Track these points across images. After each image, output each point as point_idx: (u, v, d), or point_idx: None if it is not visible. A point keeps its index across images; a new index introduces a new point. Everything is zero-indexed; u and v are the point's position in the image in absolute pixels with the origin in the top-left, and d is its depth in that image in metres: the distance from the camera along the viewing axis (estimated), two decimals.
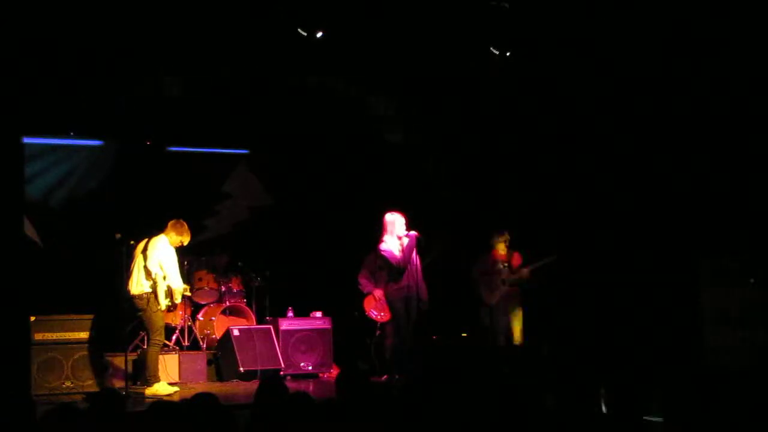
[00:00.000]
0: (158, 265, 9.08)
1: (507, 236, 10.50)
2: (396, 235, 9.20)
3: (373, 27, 9.04)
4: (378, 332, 10.54)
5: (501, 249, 10.48)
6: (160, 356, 9.93)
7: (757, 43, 9.27)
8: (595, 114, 10.66)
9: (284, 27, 8.74)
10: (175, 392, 9.16)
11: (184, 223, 9.37)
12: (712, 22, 9.05)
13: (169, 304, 9.32)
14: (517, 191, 11.38)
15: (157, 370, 9.17)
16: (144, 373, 9.24)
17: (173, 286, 9.17)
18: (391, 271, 9.21)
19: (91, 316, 9.53)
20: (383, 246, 9.21)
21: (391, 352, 9.62)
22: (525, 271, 10.34)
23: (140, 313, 9.23)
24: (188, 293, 9.98)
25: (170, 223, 9.34)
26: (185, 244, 9.43)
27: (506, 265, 10.47)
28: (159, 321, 9.23)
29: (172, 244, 9.28)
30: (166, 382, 9.34)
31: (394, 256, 9.14)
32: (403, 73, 10.26)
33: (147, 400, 8.80)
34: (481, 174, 11.64)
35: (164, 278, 9.12)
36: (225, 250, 11.52)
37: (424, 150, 11.68)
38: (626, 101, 10.39)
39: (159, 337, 9.27)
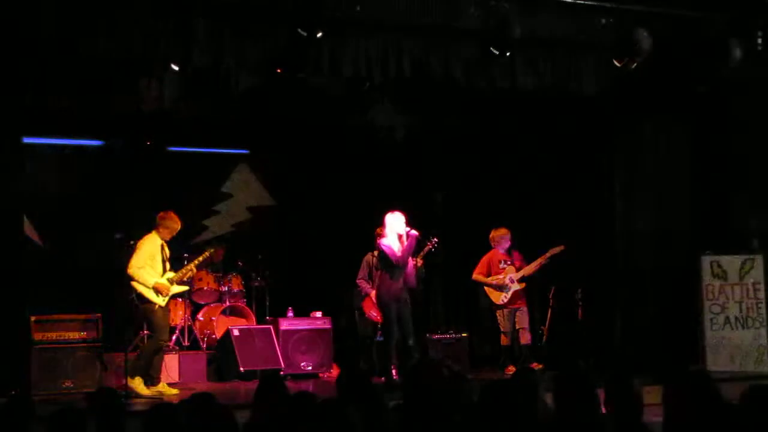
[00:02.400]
0: (137, 265, 9.04)
1: (506, 234, 10.44)
2: (397, 233, 9.21)
3: (373, 26, 9.02)
4: (379, 332, 10.53)
5: (503, 247, 10.42)
6: (161, 356, 9.94)
7: None
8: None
9: (285, 26, 8.72)
10: (157, 395, 9.04)
11: (170, 212, 9.30)
12: None
13: (164, 299, 9.25)
14: (518, 187, 11.39)
15: (145, 365, 9.06)
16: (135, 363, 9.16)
17: (144, 282, 9.06)
18: (388, 267, 9.20)
19: (90, 316, 9.52)
20: (384, 241, 9.23)
21: (382, 353, 9.59)
22: (531, 266, 10.29)
23: (142, 312, 9.20)
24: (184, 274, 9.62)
25: (158, 217, 9.26)
26: (178, 229, 9.32)
27: (510, 263, 10.40)
28: (158, 320, 9.17)
29: (165, 237, 9.20)
30: (165, 382, 9.31)
31: (394, 253, 9.16)
32: (402, 72, 10.24)
33: (135, 400, 8.73)
34: (483, 172, 11.63)
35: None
36: (220, 243, 11.51)
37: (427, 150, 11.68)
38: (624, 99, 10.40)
39: (160, 335, 9.22)
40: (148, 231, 9.30)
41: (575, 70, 9.62)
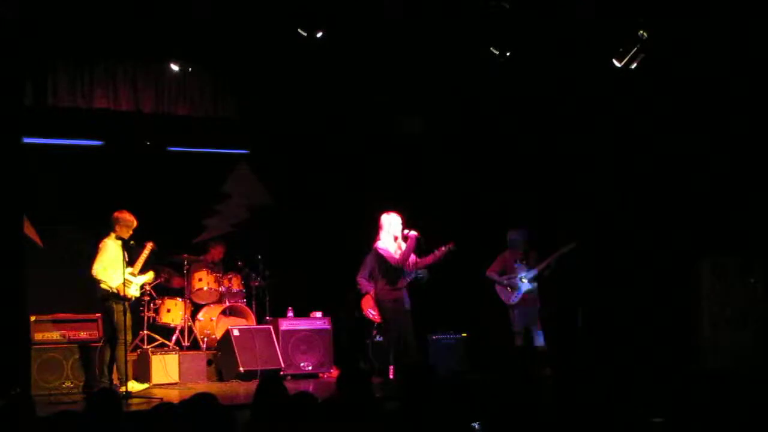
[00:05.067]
0: (100, 267, 8.99)
1: (524, 233, 10.33)
2: (393, 235, 9.17)
3: (373, 26, 9.04)
4: (375, 332, 10.54)
5: (518, 247, 10.30)
6: (161, 356, 9.93)
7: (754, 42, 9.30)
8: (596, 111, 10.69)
9: (285, 26, 8.74)
10: (153, 394, 9.04)
11: (124, 210, 9.20)
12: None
13: (134, 295, 9.22)
14: (526, 187, 11.39)
15: (124, 366, 9.03)
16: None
17: (108, 283, 9.00)
18: (388, 270, 9.18)
19: (91, 316, 9.52)
20: (380, 245, 9.17)
21: (379, 353, 9.58)
22: (542, 264, 10.20)
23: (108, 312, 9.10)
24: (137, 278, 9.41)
25: (113, 217, 9.14)
26: (135, 225, 9.25)
27: (524, 262, 10.29)
28: (123, 319, 9.11)
29: (124, 236, 9.12)
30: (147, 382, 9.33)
31: (392, 256, 9.10)
32: (403, 72, 10.25)
33: (134, 400, 8.72)
34: (490, 169, 11.61)
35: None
36: (219, 240, 11.50)
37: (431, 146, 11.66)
38: (628, 98, 10.41)
39: (124, 335, 9.11)
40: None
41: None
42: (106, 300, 9.03)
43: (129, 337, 9.26)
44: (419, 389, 4.52)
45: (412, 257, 9.15)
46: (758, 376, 9.26)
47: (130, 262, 9.33)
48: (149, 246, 9.57)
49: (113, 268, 9.01)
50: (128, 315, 9.16)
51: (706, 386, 3.98)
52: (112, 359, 9.09)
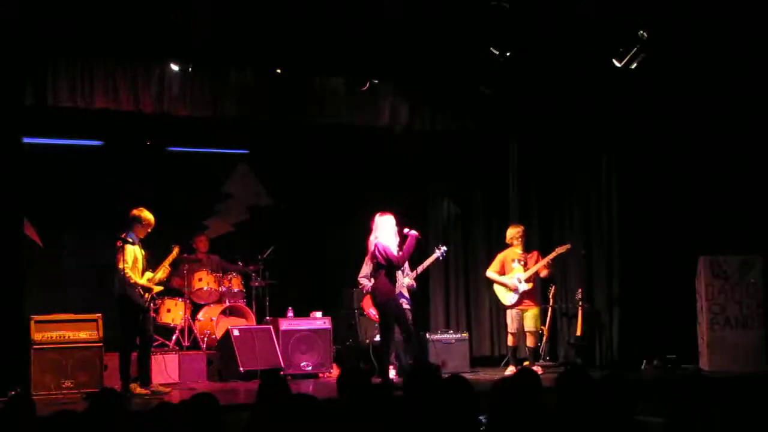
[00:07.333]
0: (128, 266, 8.95)
1: (522, 232, 10.34)
2: (392, 233, 9.18)
3: (374, 26, 9.03)
4: (375, 332, 10.53)
5: (517, 246, 10.29)
6: (161, 356, 9.92)
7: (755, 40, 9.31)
8: (595, 112, 10.69)
9: (287, 27, 8.73)
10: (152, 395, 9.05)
11: (142, 208, 9.15)
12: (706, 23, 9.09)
13: (147, 297, 9.19)
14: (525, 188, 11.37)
15: (126, 367, 9.01)
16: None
17: (135, 282, 8.96)
18: (386, 268, 9.18)
19: (91, 316, 9.52)
20: (381, 243, 9.18)
21: (381, 352, 9.58)
22: (537, 266, 10.19)
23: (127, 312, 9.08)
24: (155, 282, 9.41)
25: (131, 216, 9.08)
26: (153, 225, 9.20)
27: (522, 262, 10.27)
28: (139, 321, 9.08)
29: (140, 235, 9.09)
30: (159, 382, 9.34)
31: (392, 254, 9.13)
32: (404, 73, 10.24)
33: (135, 400, 8.72)
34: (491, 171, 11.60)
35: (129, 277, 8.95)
36: (198, 233, 11.46)
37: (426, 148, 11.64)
38: (627, 100, 10.41)
39: (124, 341, 9.09)
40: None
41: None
42: (123, 300, 9.00)
43: (148, 335, 9.30)
44: (420, 389, 4.52)
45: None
46: (758, 376, 9.26)
47: (153, 266, 9.34)
48: (176, 250, 9.57)
49: (134, 268, 9.00)
50: (148, 315, 9.20)
51: (706, 386, 3.97)
52: (128, 361, 9.07)
